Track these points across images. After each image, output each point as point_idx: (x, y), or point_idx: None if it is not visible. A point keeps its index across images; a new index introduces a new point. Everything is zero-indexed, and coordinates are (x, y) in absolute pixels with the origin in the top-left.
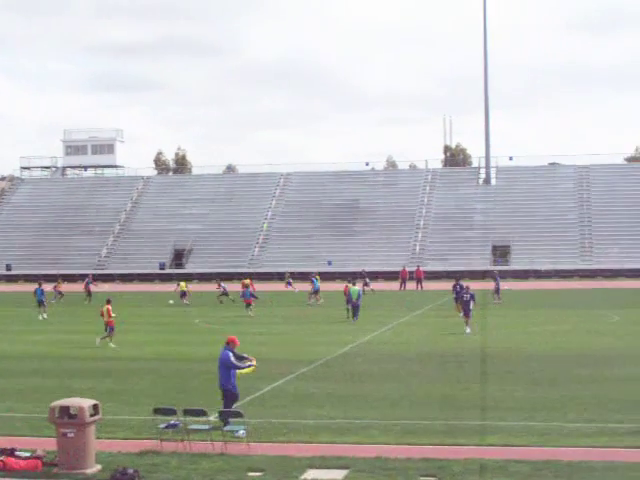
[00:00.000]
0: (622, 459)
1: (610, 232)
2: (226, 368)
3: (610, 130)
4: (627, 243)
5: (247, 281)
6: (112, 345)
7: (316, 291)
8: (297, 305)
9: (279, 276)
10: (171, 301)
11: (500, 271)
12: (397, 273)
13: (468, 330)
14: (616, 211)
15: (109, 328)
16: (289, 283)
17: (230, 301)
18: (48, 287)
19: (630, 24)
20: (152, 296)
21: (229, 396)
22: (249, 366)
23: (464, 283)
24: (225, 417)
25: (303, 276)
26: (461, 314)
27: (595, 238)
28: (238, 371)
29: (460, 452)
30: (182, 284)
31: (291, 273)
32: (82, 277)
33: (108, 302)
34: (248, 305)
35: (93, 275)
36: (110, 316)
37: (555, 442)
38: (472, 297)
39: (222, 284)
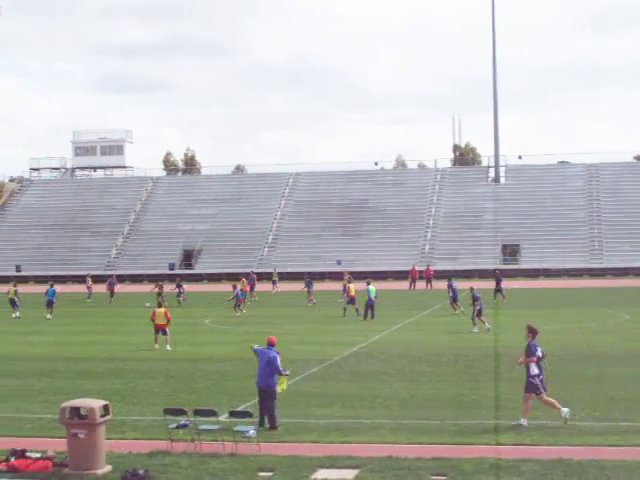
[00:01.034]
0: (633, 458)
1: (620, 230)
2: (270, 367)
3: (619, 128)
4: (637, 241)
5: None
6: (168, 347)
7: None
8: (305, 306)
9: (289, 276)
10: (147, 304)
11: (509, 270)
12: (406, 272)
13: (476, 329)
14: (626, 209)
15: (162, 331)
16: (274, 282)
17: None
18: (59, 288)
19: (638, 23)
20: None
21: (272, 395)
22: (287, 374)
23: (455, 283)
24: (271, 417)
25: (314, 276)
26: (457, 310)
27: (605, 236)
28: (280, 379)
29: (471, 451)
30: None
31: (308, 273)
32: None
33: (160, 305)
34: (238, 305)
35: (116, 276)
36: (169, 320)
37: (566, 441)
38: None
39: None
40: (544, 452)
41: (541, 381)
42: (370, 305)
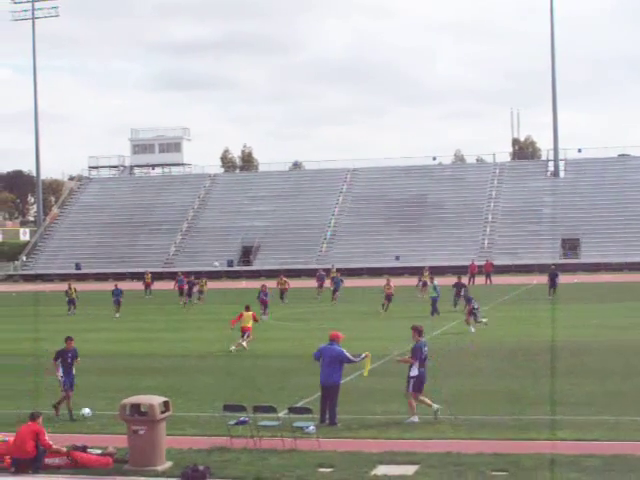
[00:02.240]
0: None
1: None
2: (339, 363)
3: None
4: None
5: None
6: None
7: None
8: (367, 301)
9: (348, 272)
10: (117, 315)
11: (570, 264)
12: (466, 268)
13: (472, 329)
14: None
15: (246, 333)
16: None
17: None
18: (123, 286)
19: None
20: (219, 293)
21: (336, 391)
22: (364, 357)
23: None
24: (332, 413)
25: (372, 271)
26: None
27: None
28: (361, 364)
29: (531, 447)
30: (202, 281)
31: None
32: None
33: (247, 309)
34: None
35: (185, 273)
36: (256, 321)
37: (627, 436)
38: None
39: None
40: (605, 447)
41: (420, 382)
42: (434, 301)
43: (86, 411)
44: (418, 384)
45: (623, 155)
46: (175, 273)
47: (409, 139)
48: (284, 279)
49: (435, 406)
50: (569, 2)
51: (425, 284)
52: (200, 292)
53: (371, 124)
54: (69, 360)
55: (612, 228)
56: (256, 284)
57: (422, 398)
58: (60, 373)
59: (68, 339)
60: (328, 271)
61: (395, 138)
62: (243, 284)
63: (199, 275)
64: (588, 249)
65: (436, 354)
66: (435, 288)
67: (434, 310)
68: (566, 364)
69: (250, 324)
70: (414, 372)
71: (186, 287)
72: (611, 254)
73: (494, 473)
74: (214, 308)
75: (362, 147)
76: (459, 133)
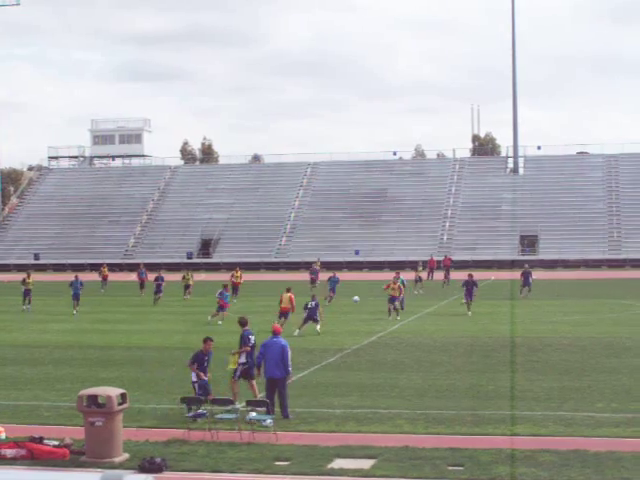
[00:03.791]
0: None
1: (639, 221)
2: (283, 356)
3: (639, 119)
4: None
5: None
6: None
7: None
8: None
9: (306, 266)
10: (75, 311)
11: (528, 261)
12: (425, 263)
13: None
14: None
15: (285, 315)
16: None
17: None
18: (82, 277)
19: None
20: (178, 285)
21: (283, 384)
22: (289, 374)
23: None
24: (284, 406)
25: (331, 265)
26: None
27: (624, 228)
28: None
29: (488, 442)
30: (188, 276)
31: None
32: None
33: (288, 290)
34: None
35: (146, 265)
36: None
37: (583, 432)
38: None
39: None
40: (561, 443)
41: (246, 369)
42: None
43: None
44: (246, 371)
45: (582, 153)
46: (135, 265)
47: (370, 134)
48: (239, 272)
49: (260, 396)
50: (531, 0)
51: (420, 279)
52: (187, 287)
53: (332, 118)
54: None
55: (570, 225)
56: (215, 277)
57: (253, 383)
58: None
59: None
60: (311, 264)
61: (356, 132)
62: (202, 276)
63: (159, 267)
64: (546, 246)
65: (394, 348)
66: (402, 282)
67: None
68: (524, 360)
69: (288, 305)
70: (242, 360)
71: (152, 283)
72: (569, 251)
73: (450, 468)
74: (173, 301)
75: (323, 141)
76: (420, 128)
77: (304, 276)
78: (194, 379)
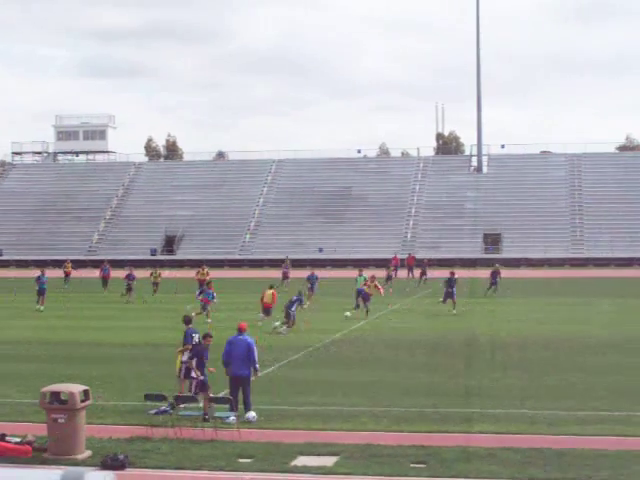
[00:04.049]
0: (612, 447)
1: (601, 221)
2: (249, 354)
3: (602, 119)
4: (618, 232)
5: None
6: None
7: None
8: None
9: (270, 263)
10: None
11: (491, 259)
12: (388, 260)
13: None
14: (607, 200)
15: (266, 311)
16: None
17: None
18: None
19: (621, 14)
20: (141, 282)
21: (248, 381)
22: (256, 371)
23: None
24: (247, 404)
25: (295, 263)
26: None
27: (586, 227)
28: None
29: (450, 439)
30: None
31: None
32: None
33: (271, 287)
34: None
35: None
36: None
37: (545, 430)
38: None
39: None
40: (523, 441)
41: (187, 368)
42: (359, 292)
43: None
44: (188, 370)
45: (545, 152)
46: (99, 261)
47: (335, 131)
48: (205, 270)
49: (224, 392)
50: (496, 0)
51: (390, 277)
52: (155, 284)
53: (297, 116)
54: None
55: (533, 224)
56: (179, 274)
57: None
58: None
59: None
60: (283, 262)
61: (321, 130)
62: (166, 273)
63: (123, 263)
64: (509, 244)
65: (358, 346)
66: (365, 279)
67: (359, 304)
68: (487, 358)
69: (270, 301)
70: (184, 357)
71: (123, 280)
72: (532, 250)
73: (413, 465)
74: (136, 298)
75: (288, 139)
76: (385, 127)
77: (269, 273)
78: (193, 375)
